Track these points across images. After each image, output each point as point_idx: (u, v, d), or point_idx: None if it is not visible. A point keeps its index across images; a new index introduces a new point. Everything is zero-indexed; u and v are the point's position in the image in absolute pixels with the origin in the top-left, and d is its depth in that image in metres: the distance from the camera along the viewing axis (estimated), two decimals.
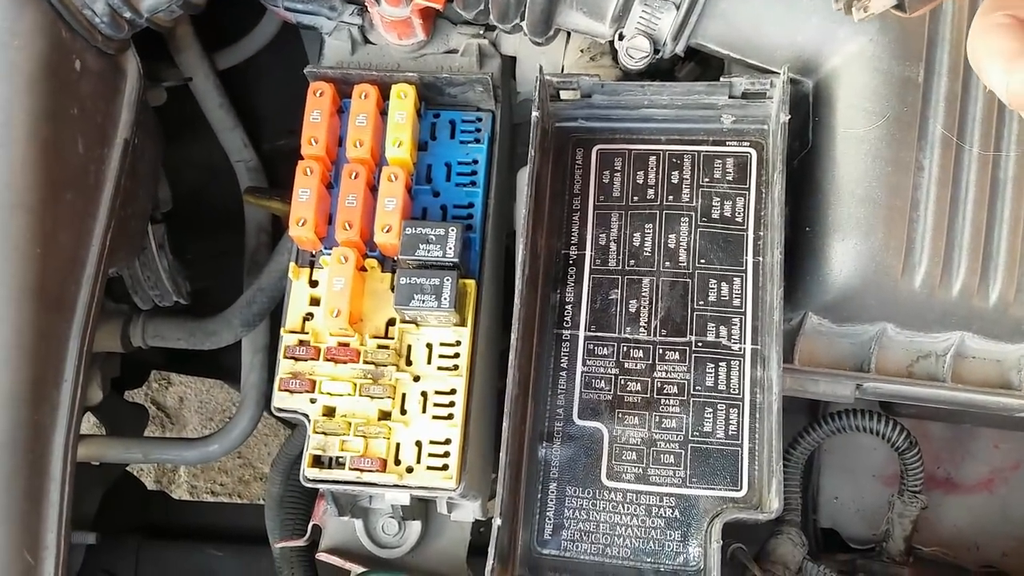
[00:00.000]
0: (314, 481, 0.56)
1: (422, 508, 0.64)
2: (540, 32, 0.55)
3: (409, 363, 0.58)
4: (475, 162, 0.61)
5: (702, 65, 0.66)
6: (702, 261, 0.55)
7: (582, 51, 0.63)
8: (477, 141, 0.61)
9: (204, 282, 0.91)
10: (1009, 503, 0.80)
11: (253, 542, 0.99)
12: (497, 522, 0.48)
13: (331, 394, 0.57)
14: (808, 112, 0.55)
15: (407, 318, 0.57)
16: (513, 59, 0.65)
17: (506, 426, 0.50)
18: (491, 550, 0.47)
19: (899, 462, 0.71)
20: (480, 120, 0.62)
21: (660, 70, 0.64)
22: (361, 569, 0.65)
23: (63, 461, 0.54)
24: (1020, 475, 0.80)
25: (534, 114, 0.55)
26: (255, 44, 0.83)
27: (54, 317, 0.55)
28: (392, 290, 0.57)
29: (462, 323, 0.57)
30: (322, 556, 0.66)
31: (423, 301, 0.54)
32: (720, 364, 0.53)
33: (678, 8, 0.51)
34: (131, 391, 1.29)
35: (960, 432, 0.81)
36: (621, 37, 0.53)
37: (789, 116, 0.52)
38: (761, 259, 0.54)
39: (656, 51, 0.54)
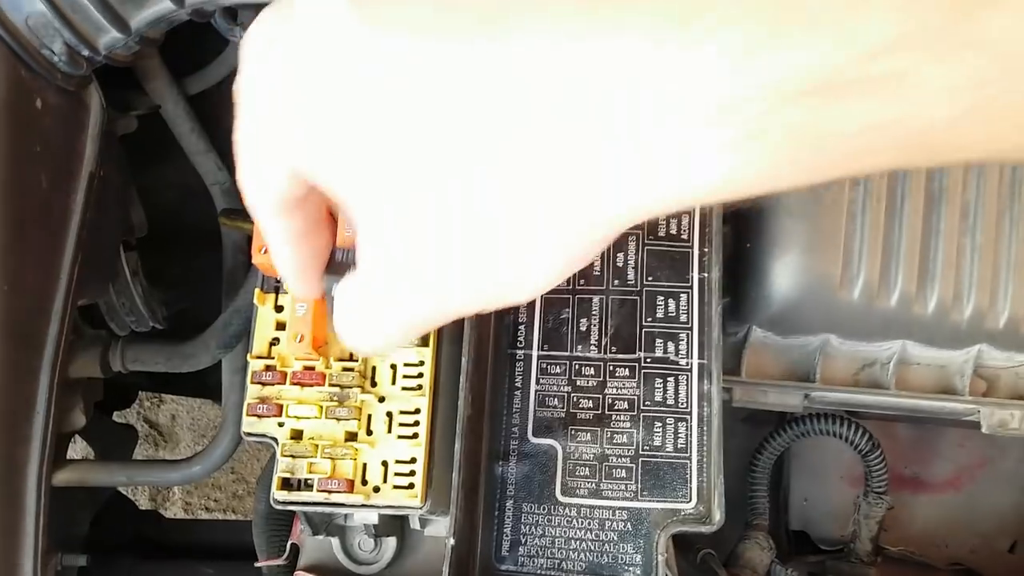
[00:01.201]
0: (284, 503, 0.58)
1: (396, 524, 0.66)
2: None
3: (374, 384, 0.59)
4: None
5: None
6: (650, 278, 0.57)
7: None
8: None
9: (182, 304, 0.93)
10: (976, 501, 0.81)
11: (246, 558, 1.00)
12: (450, 542, 0.50)
13: (298, 417, 0.59)
14: None
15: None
16: None
17: (458, 447, 0.52)
18: (445, 568, 0.49)
19: (863, 464, 0.72)
20: None
21: None
22: None
23: (37, 492, 0.56)
24: (986, 473, 0.81)
25: None
26: (224, 68, 0.85)
27: (23, 353, 0.56)
28: None
29: (425, 343, 0.58)
30: (300, 575, 0.68)
31: None
32: (668, 379, 0.55)
33: None
34: (121, 412, 1.30)
35: (926, 432, 0.82)
36: None
37: None
38: (706, 275, 0.56)
39: None
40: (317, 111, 0.28)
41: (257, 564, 0.82)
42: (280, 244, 0.37)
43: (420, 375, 0.58)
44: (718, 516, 0.49)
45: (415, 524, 0.66)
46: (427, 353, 0.58)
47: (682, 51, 0.23)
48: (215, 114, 0.88)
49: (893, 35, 0.22)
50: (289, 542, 0.71)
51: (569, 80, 0.25)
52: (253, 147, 0.31)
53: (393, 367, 0.59)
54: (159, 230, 0.90)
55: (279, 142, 0.30)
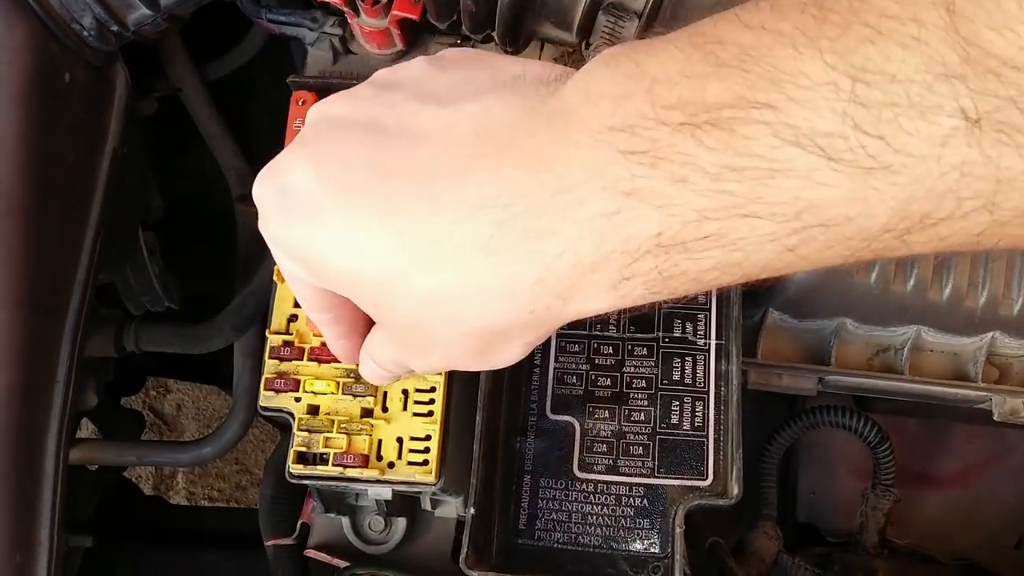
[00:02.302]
0: (298, 477, 0.58)
1: (407, 505, 0.66)
2: (511, 41, 0.57)
3: None
4: None
5: None
6: None
7: (555, 59, 0.65)
8: None
9: (196, 287, 0.93)
10: (982, 497, 0.82)
11: (251, 546, 1.00)
12: (471, 512, 0.50)
13: (315, 392, 0.59)
14: None
15: None
16: None
17: (479, 421, 0.52)
18: (465, 539, 0.49)
19: (871, 456, 0.73)
20: None
21: None
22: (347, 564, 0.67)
23: (55, 460, 0.57)
24: (993, 470, 0.82)
25: None
26: (245, 55, 0.85)
27: (45, 321, 0.57)
28: None
29: None
30: (310, 553, 0.68)
31: None
32: (686, 359, 0.55)
33: (640, 17, 0.53)
34: (128, 398, 1.30)
35: (935, 427, 0.82)
36: (587, 45, 0.56)
37: None
38: None
39: None
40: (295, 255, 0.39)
41: (268, 543, 0.82)
42: (331, 339, 0.47)
43: None
44: (736, 490, 0.49)
45: (426, 505, 0.66)
46: None
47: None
48: (234, 100, 0.89)
49: (696, 215, 0.29)
50: (299, 522, 0.71)
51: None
52: (287, 276, 0.42)
53: None
54: (173, 215, 0.91)
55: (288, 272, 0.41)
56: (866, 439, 0.72)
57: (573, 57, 0.64)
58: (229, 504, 1.50)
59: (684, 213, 0.29)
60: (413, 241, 0.33)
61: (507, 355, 0.38)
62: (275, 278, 0.61)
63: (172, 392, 1.56)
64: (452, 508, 0.66)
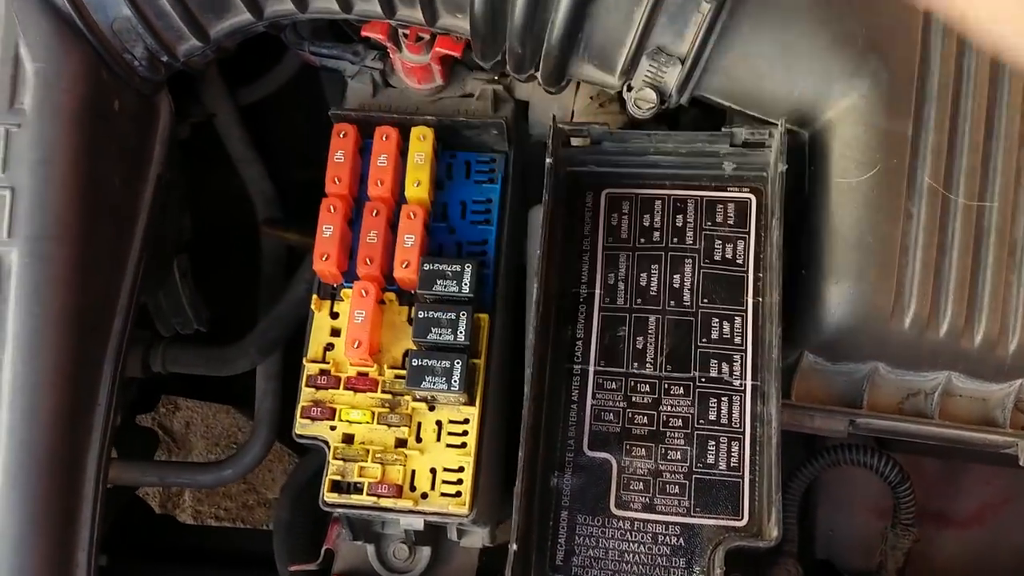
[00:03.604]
0: (332, 506, 0.59)
1: (434, 534, 0.67)
2: (553, 82, 0.58)
3: None
4: (489, 201, 0.64)
5: (704, 111, 0.69)
6: (705, 300, 0.58)
7: (591, 98, 0.66)
8: (491, 181, 0.65)
9: (221, 309, 0.94)
10: (1000, 537, 0.82)
11: (259, 567, 1.00)
12: (513, 547, 0.51)
13: (350, 421, 0.60)
14: (804, 161, 0.59)
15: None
16: (526, 103, 0.68)
17: (521, 456, 0.53)
18: (508, 573, 0.50)
19: (892, 495, 0.73)
20: (494, 161, 0.65)
21: (665, 114, 0.68)
22: None
23: (95, 482, 0.57)
24: (1011, 509, 0.82)
25: (548, 160, 0.58)
26: (276, 81, 0.87)
27: (91, 344, 0.58)
28: (409, 322, 0.60)
29: (475, 356, 0.60)
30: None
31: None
32: (722, 399, 0.56)
33: (683, 63, 0.55)
34: (140, 415, 1.31)
35: (953, 467, 0.83)
36: (629, 88, 0.57)
37: (787, 166, 0.56)
38: (761, 299, 0.57)
39: (663, 102, 0.57)
40: None
41: (292, 568, 0.82)
42: None
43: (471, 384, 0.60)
44: (775, 532, 0.50)
45: (452, 535, 0.67)
46: (478, 365, 0.60)
47: None
48: (264, 125, 0.90)
49: None
50: (324, 547, 0.72)
51: None
52: None
53: None
54: (200, 237, 0.92)
55: None
56: (887, 478, 0.72)
57: (609, 97, 0.66)
58: (236, 523, 1.50)
59: None
60: None
61: None
62: (312, 306, 0.62)
63: (181, 409, 1.56)
64: (478, 538, 0.67)
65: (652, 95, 0.56)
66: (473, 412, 0.59)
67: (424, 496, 0.59)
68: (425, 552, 0.67)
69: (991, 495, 0.82)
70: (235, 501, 1.52)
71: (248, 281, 0.92)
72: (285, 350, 0.87)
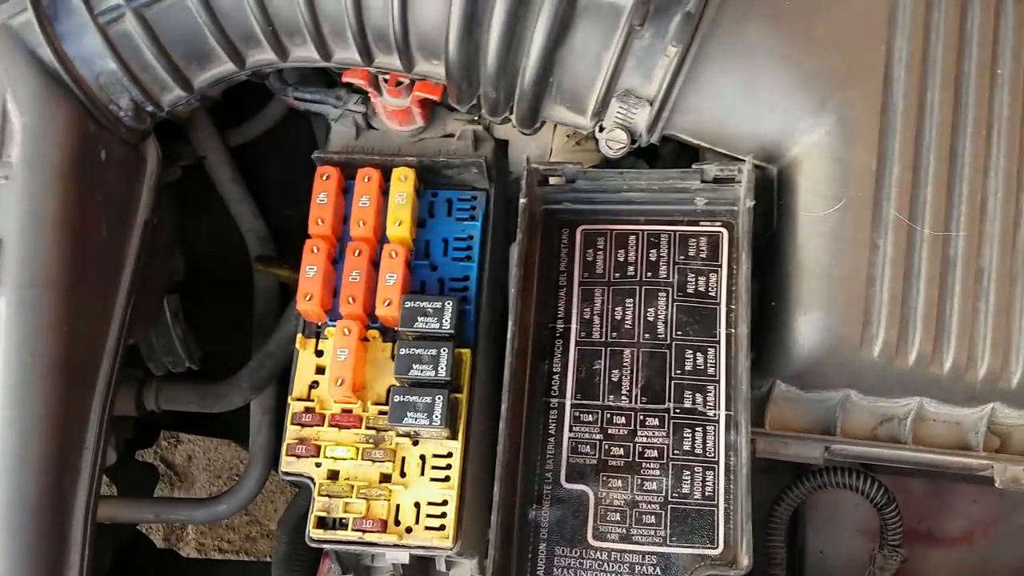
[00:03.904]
0: (319, 542, 0.60)
1: (422, 566, 0.68)
2: (527, 124, 0.60)
3: None
4: (470, 238, 0.65)
5: (682, 144, 0.71)
6: (679, 333, 0.60)
7: (568, 136, 0.68)
8: (472, 218, 0.66)
9: (215, 346, 0.95)
10: (988, 556, 0.82)
11: None
12: None
13: (335, 458, 0.61)
14: (773, 195, 0.60)
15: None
16: (506, 142, 0.70)
17: (497, 490, 0.54)
18: None
19: (879, 517, 0.74)
20: (475, 199, 0.66)
21: (645, 148, 0.69)
22: None
23: (83, 525, 0.58)
24: (999, 529, 0.83)
25: (521, 200, 0.60)
26: (265, 123, 0.89)
27: (78, 389, 0.59)
28: (393, 359, 0.62)
29: (457, 390, 0.61)
30: None
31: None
32: (697, 429, 0.57)
33: (652, 104, 0.56)
34: (141, 450, 1.32)
35: (940, 487, 0.83)
36: (601, 129, 0.58)
37: (755, 201, 0.57)
38: (733, 331, 0.58)
39: (633, 141, 0.58)
40: None
41: None
42: None
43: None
44: (745, 561, 0.51)
45: (441, 566, 0.67)
46: (460, 400, 0.61)
47: None
48: (254, 165, 0.92)
49: None
50: None
51: None
52: None
53: None
54: (194, 276, 0.93)
55: None
56: (873, 500, 0.73)
57: (586, 135, 0.67)
58: (239, 555, 1.51)
59: None
60: None
61: None
62: (297, 345, 0.64)
63: (183, 443, 1.57)
64: (466, 569, 0.68)
65: (623, 136, 0.58)
66: (456, 446, 0.61)
67: (409, 530, 0.60)
68: None
69: (979, 514, 0.83)
70: (238, 533, 1.53)
71: (242, 318, 0.93)
72: (279, 385, 0.88)
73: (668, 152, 0.72)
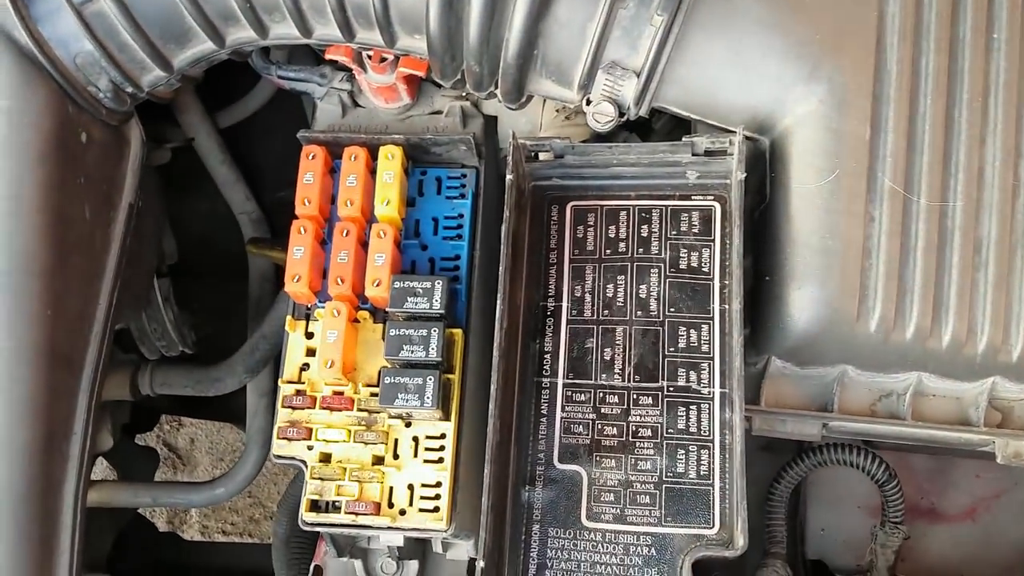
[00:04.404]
0: (312, 525, 0.59)
1: (419, 547, 0.67)
2: (513, 99, 0.59)
3: None
4: (460, 216, 0.64)
5: (677, 119, 0.69)
6: (672, 309, 0.59)
7: (558, 111, 0.67)
8: (462, 196, 0.65)
9: (209, 329, 0.95)
10: (992, 532, 0.82)
11: None
12: (480, 564, 0.51)
13: (327, 441, 0.61)
14: (765, 168, 0.59)
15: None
16: (495, 118, 0.68)
17: (487, 472, 0.53)
18: None
19: (880, 494, 0.73)
20: (464, 176, 0.65)
21: (636, 122, 0.68)
22: None
23: (73, 510, 0.58)
24: (1002, 504, 0.82)
25: (508, 176, 0.58)
26: (254, 103, 0.88)
27: (64, 374, 0.58)
28: (384, 340, 0.61)
29: (450, 370, 0.60)
30: None
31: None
32: (691, 408, 0.56)
33: (639, 76, 0.55)
34: (142, 434, 1.32)
35: (942, 463, 0.82)
36: (588, 102, 0.57)
37: (746, 174, 0.56)
38: (727, 307, 0.57)
39: (622, 115, 0.57)
40: None
41: None
42: None
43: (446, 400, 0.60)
44: (741, 541, 0.50)
45: (437, 548, 0.67)
46: (453, 380, 0.60)
47: None
48: (245, 146, 0.91)
49: None
50: (312, 564, 0.72)
51: None
52: None
53: None
54: (187, 259, 0.92)
55: None
56: (874, 476, 0.72)
57: (576, 109, 0.66)
58: (243, 537, 1.51)
59: None
60: None
61: None
62: (287, 327, 0.63)
63: (185, 426, 1.57)
64: (463, 550, 0.67)
65: (610, 109, 0.56)
66: (449, 427, 0.60)
67: (402, 512, 0.59)
68: (412, 566, 0.67)
69: (982, 490, 0.82)
70: (241, 515, 1.53)
71: (237, 301, 0.93)
72: (275, 367, 0.88)
73: (662, 127, 0.71)
